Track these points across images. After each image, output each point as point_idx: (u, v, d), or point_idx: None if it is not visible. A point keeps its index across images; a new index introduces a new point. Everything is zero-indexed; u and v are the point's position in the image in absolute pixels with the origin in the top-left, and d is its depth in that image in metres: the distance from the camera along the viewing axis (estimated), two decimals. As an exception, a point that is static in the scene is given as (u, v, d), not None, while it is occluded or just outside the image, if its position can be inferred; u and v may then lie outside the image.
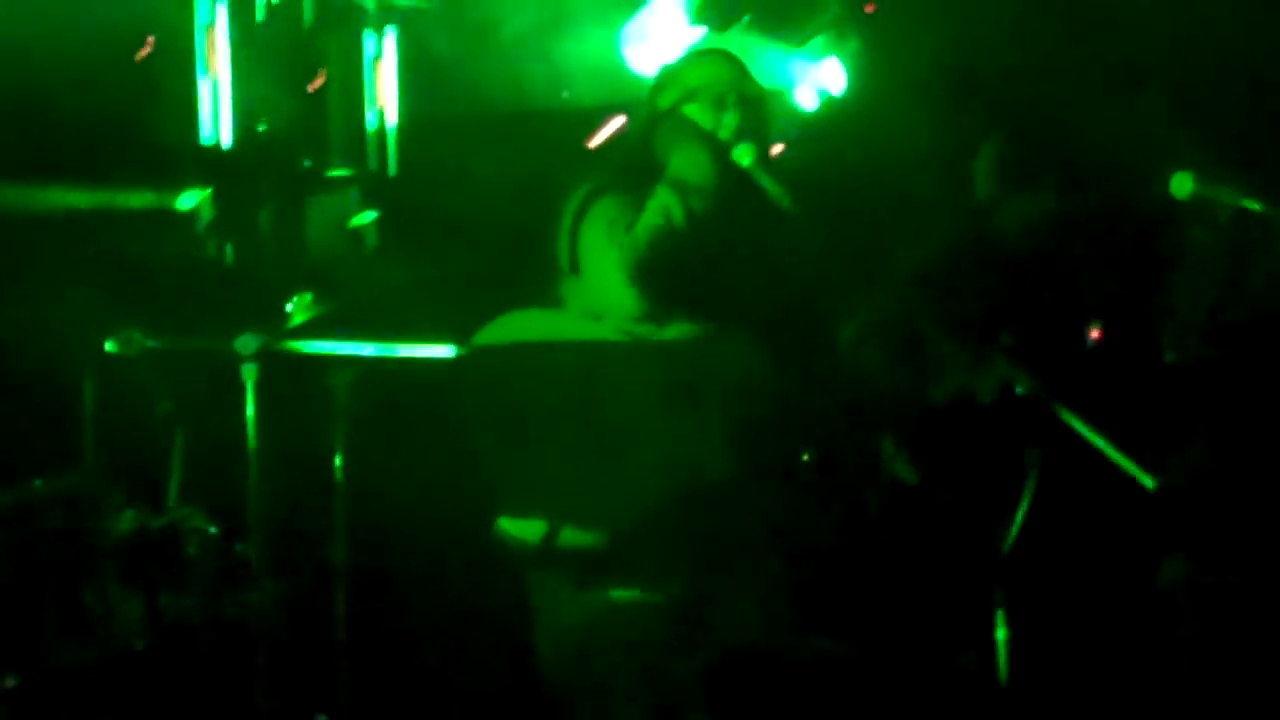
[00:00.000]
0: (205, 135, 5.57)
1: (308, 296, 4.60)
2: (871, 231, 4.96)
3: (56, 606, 4.21)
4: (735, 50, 4.73)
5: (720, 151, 4.32)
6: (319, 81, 5.85)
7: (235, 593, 4.37)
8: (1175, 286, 4.64)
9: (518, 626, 4.36)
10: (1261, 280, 4.46)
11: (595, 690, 4.20)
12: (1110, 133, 5.06)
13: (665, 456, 4.21)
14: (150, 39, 5.58)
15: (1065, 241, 4.94)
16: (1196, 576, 4.47)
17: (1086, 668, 4.50)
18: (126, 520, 4.31)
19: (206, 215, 5.50)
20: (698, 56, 4.68)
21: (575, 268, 4.34)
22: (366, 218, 5.81)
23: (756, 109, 4.44)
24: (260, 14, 5.64)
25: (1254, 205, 4.23)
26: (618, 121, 5.58)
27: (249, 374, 4.33)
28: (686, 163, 4.29)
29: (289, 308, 4.65)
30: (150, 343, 4.37)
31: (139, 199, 5.41)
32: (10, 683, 4.10)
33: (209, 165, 5.56)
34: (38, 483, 4.29)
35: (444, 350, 4.37)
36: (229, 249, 5.57)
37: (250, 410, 4.30)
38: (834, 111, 5.65)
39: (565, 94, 5.77)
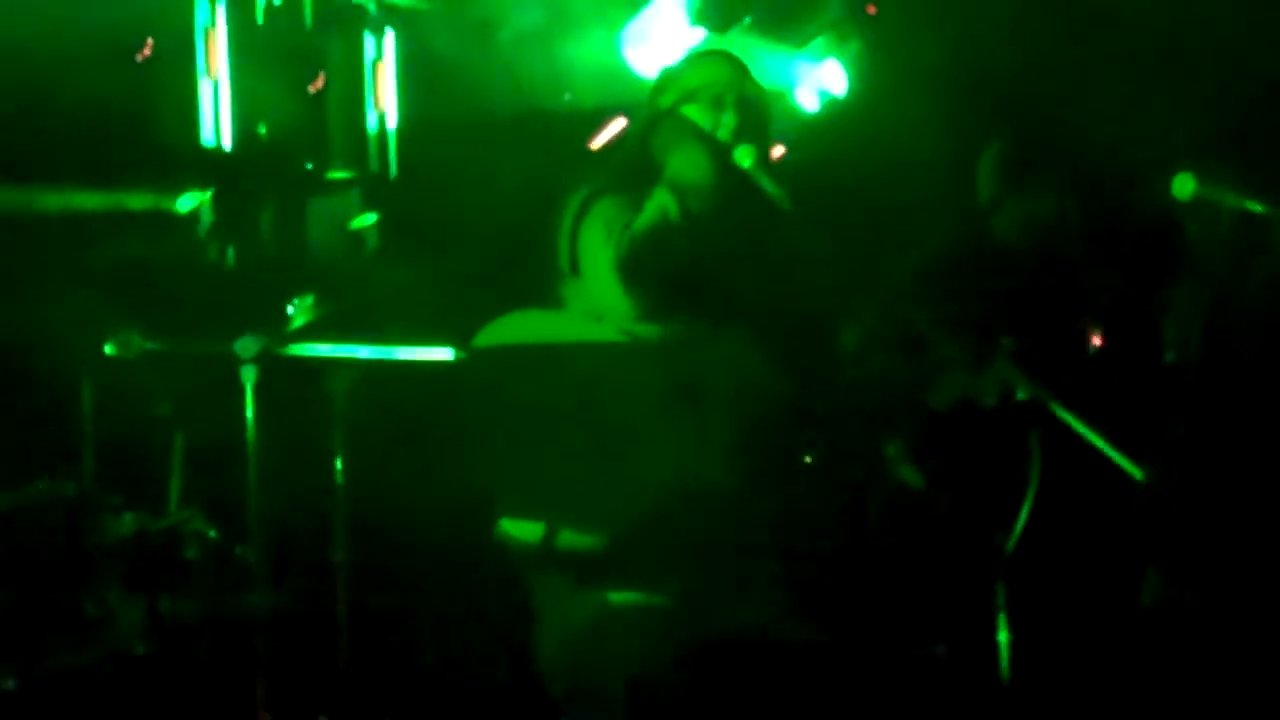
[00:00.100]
0: (205, 137, 5.57)
1: (308, 299, 4.59)
2: (873, 233, 4.95)
3: (56, 609, 4.21)
4: (736, 51, 4.72)
5: (719, 152, 4.31)
6: (319, 83, 5.85)
7: (235, 595, 4.37)
8: (1175, 287, 4.63)
9: (518, 628, 4.35)
10: (1262, 281, 4.46)
11: (595, 691, 4.19)
12: (1112, 134, 5.06)
13: (666, 458, 4.21)
14: (150, 41, 5.57)
15: (1066, 243, 4.93)
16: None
17: (1087, 669, 4.49)
18: (126, 523, 4.31)
19: (207, 217, 5.49)
20: (698, 57, 4.67)
21: (575, 269, 4.34)
22: (367, 220, 5.81)
23: (756, 110, 4.43)
24: (260, 16, 5.64)
25: (1255, 206, 4.23)
26: (619, 123, 5.57)
27: (248, 376, 4.32)
28: (685, 163, 4.28)
29: (289, 310, 4.64)
30: (149, 345, 4.37)
31: (139, 201, 5.41)
32: (10, 685, 4.09)
33: (209, 167, 5.56)
34: (38, 485, 4.29)
35: (444, 353, 4.37)
36: (229, 251, 5.56)
37: (250, 413, 4.30)
38: (835, 113, 5.64)
39: (566, 96, 5.77)
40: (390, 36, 5.83)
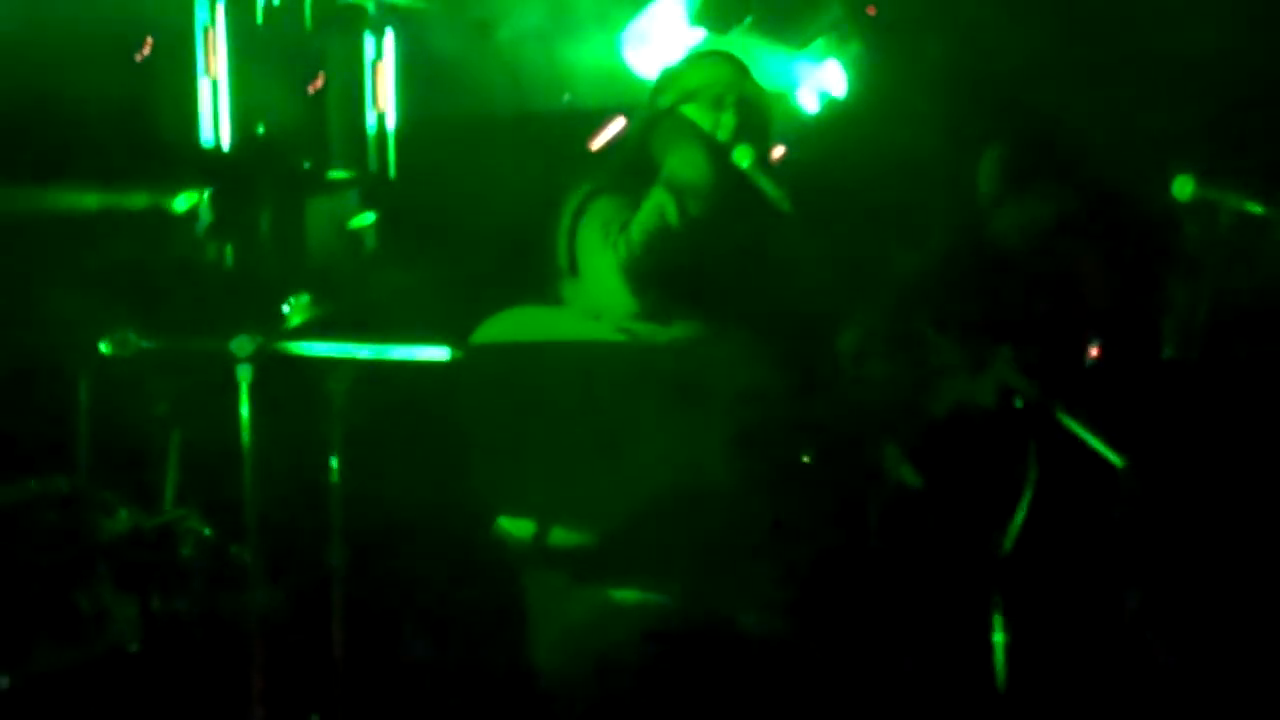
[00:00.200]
0: (205, 137, 5.58)
1: (305, 297, 4.59)
2: (872, 234, 4.94)
3: (50, 607, 4.20)
4: (736, 52, 4.71)
5: (717, 152, 4.31)
6: (319, 83, 5.85)
7: (230, 594, 4.36)
8: (1173, 284, 4.62)
9: (515, 627, 4.34)
10: (1261, 282, 4.45)
11: (591, 690, 4.18)
12: (1112, 135, 5.05)
13: (664, 457, 4.20)
14: (149, 40, 5.57)
15: (1066, 245, 4.93)
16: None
17: (1083, 671, 4.49)
18: (121, 521, 4.30)
19: (206, 217, 5.49)
20: (698, 57, 4.66)
21: (574, 268, 4.33)
22: (366, 219, 5.81)
23: (756, 110, 4.43)
24: (260, 15, 5.65)
25: (1255, 207, 4.22)
26: (618, 124, 5.56)
27: (244, 375, 4.31)
28: (683, 163, 4.28)
29: (286, 309, 4.63)
30: (145, 344, 4.36)
31: (138, 200, 5.41)
32: (3, 683, 4.09)
33: (208, 167, 5.56)
34: (32, 483, 4.28)
35: (440, 352, 4.36)
36: (228, 251, 5.56)
37: (245, 411, 4.28)
38: (835, 114, 5.64)
39: (566, 96, 5.77)
40: (390, 36, 5.83)
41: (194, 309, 5.00)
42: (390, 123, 5.86)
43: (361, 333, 4.48)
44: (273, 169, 5.69)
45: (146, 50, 5.57)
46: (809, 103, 5.62)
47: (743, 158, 4.30)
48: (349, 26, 5.82)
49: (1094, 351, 4.74)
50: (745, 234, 4.34)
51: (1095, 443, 4.08)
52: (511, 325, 4.36)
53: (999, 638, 4.22)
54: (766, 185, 4.28)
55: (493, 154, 5.65)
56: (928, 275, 4.84)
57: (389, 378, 4.50)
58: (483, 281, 5.10)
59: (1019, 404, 4.23)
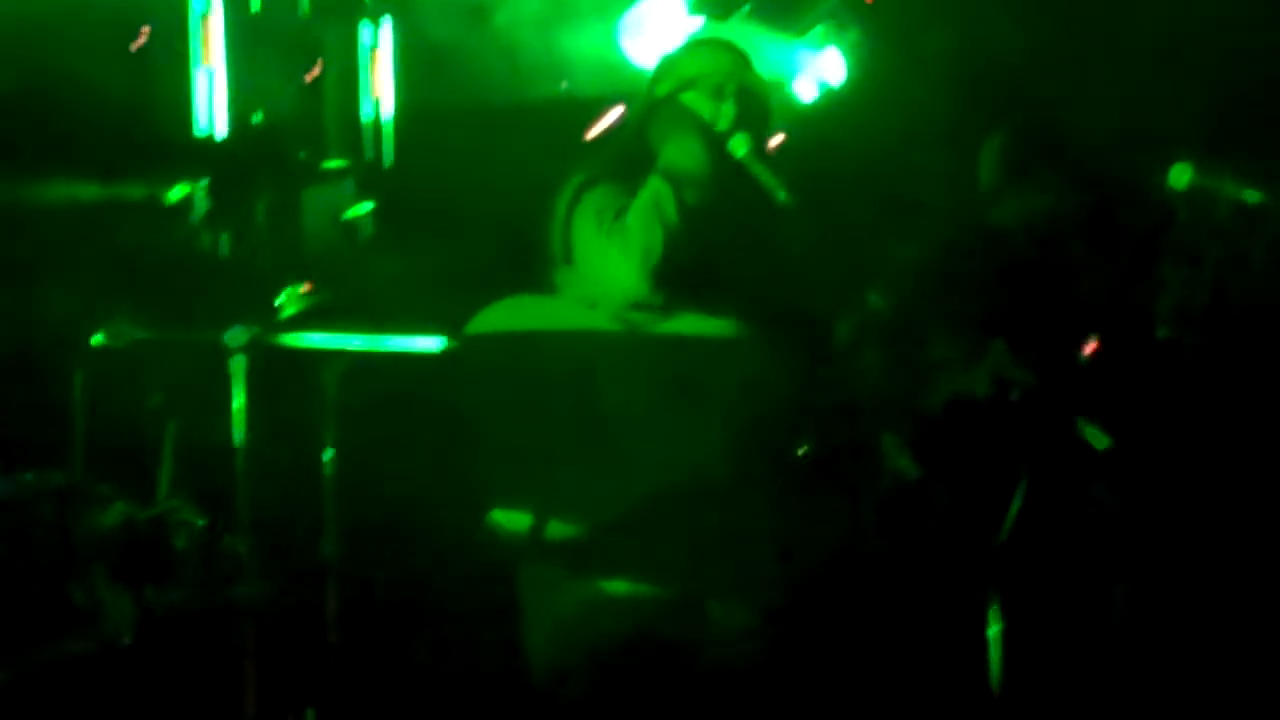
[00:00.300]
0: (200, 126, 5.56)
1: (299, 288, 4.58)
2: (870, 224, 4.93)
3: (45, 600, 4.19)
4: (734, 40, 4.69)
5: (716, 141, 4.28)
6: (315, 72, 5.84)
7: (224, 586, 4.35)
8: (1169, 272, 4.61)
9: (508, 620, 4.33)
10: (1257, 271, 4.44)
11: (585, 684, 4.17)
12: (1112, 125, 5.04)
13: (659, 448, 4.18)
14: (145, 29, 5.56)
15: (1065, 236, 4.92)
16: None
17: (1078, 664, 4.48)
18: (115, 513, 4.29)
19: (202, 206, 5.49)
20: (698, 45, 4.63)
21: (568, 256, 4.31)
22: (362, 209, 5.80)
23: (757, 100, 4.40)
24: (256, 4, 5.63)
25: (1252, 196, 4.20)
26: (616, 112, 5.55)
27: (238, 366, 4.31)
28: (680, 152, 4.25)
29: (281, 299, 4.63)
30: (139, 334, 4.35)
31: (134, 190, 5.40)
32: (-2, 676, 4.10)
33: (204, 156, 5.56)
34: (27, 476, 4.28)
35: (434, 342, 4.35)
36: (224, 240, 5.55)
37: (239, 403, 4.28)
38: (834, 102, 5.62)
39: (563, 84, 5.75)
40: (386, 25, 5.81)
41: (190, 300, 4.99)
42: (386, 111, 5.84)
43: (357, 322, 4.48)
44: (269, 158, 5.68)
45: (142, 39, 5.56)
46: (807, 91, 5.60)
47: (739, 146, 4.28)
48: (345, 15, 5.81)
49: (1089, 347, 4.73)
50: (743, 224, 4.31)
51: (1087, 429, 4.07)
52: (507, 314, 4.34)
53: (994, 629, 4.20)
54: (763, 174, 4.26)
55: (490, 143, 5.64)
56: (925, 265, 4.83)
57: (384, 368, 4.50)
58: (479, 270, 5.09)
59: (1015, 394, 4.21)
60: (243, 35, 5.60)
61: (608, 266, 4.18)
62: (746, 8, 5.61)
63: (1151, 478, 4.25)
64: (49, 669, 4.15)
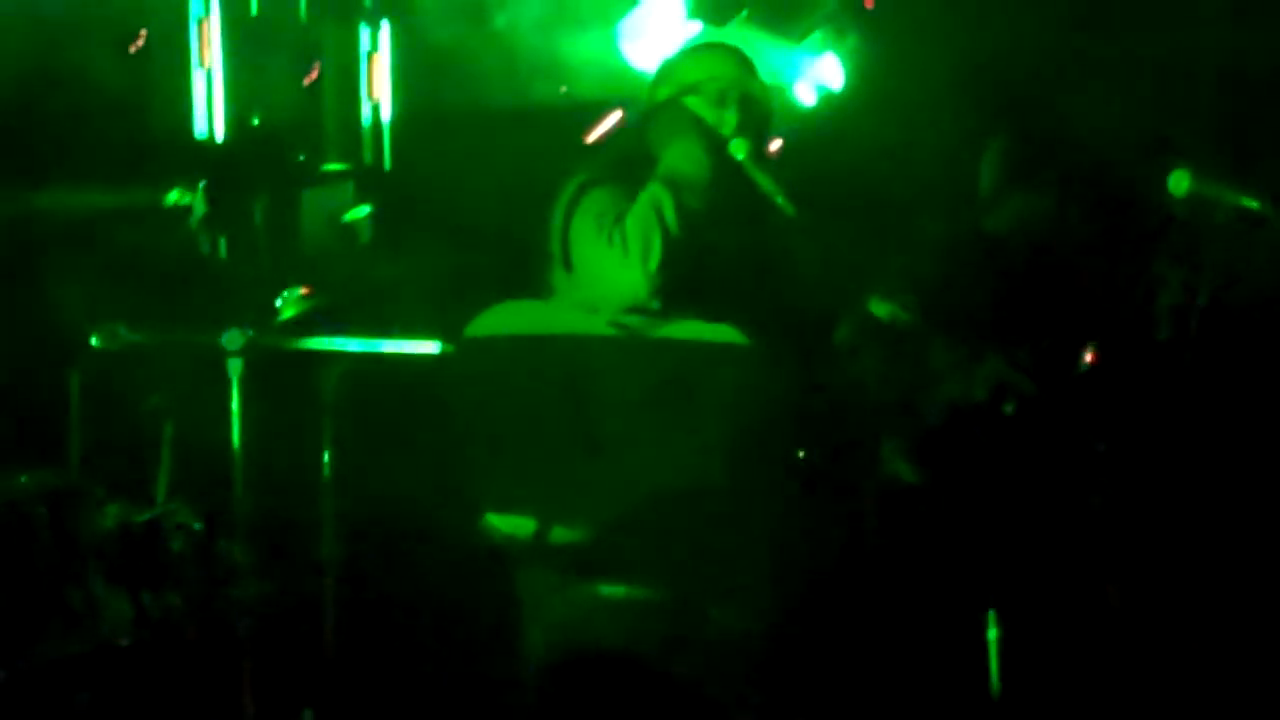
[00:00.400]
0: (199, 129, 5.57)
1: (297, 290, 4.58)
2: (869, 228, 4.93)
3: (41, 602, 4.18)
4: (737, 45, 4.69)
5: (717, 146, 4.28)
6: (314, 74, 5.84)
7: (221, 588, 4.34)
8: (1168, 277, 4.61)
9: (506, 623, 4.33)
10: (1256, 277, 4.44)
11: (582, 687, 4.17)
12: (1112, 130, 5.04)
13: (656, 453, 4.17)
14: (143, 32, 5.56)
15: (1063, 241, 4.92)
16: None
17: (1077, 667, 4.48)
18: (112, 515, 4.28)
19: (200, 209, 5.47)
20: (702, 49, 4.63)
21: (567, 261, 4.31)
22: (361, 212, 5.79)
23: (759, 106, 4.40)
24: (255, 6, 5.63)
25: (1251, 202, 4.20)
26: (615, 116, 5.55)
27: (234, 369, 4.30)
28: (682, 156, 4.25)
29: (279, 301, 4.63)
30: (133, 336, 4.35)
31: (132, 192, 5.39)
32: (-5, 677, 4.09)
33: (202, 158, 5.55)
34: (23, 478, 4.27)
35: (431, 345, 4.35)
36: (222, 242, 5.55)
37: (235, 405, 4.27)
38: (832, 107, 5.62)
39: (563, 88, 5.74)
40: (385, 27, 5.81)
41: (188, 302, 4.99)
42: (385, 114, 5.84)
43: (355, 325, 4.47)
44: (267, 161, 5.68)
45: (141, 42, 5.56)
46: (806, 96, 5.60)
47: (739, 151, 4.28)
48: (344, 17, 5.81)
49: (1089, 356, 4.72)
50: (742, 229, 4.31)
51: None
52: (506, 318, 4.33)
53: (993, 633, 4.20)
54: (763, 180, 4.26)
55: (489, 146, 5.64)
56: (924, 270, 4.82)
57: (382, 371, 4.50)
58: (478, 273, 5.10)
59: (1012, 400, 4.21)
60: (241, 37, 5.60)
61: (607, 270, 4.18)
62: (745, 12, 5.60)
63: (1150, 481, 4.24)
64: (45, 671, 4.14)
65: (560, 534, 4.19)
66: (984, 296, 4.76)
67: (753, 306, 4.25)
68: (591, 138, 5.65)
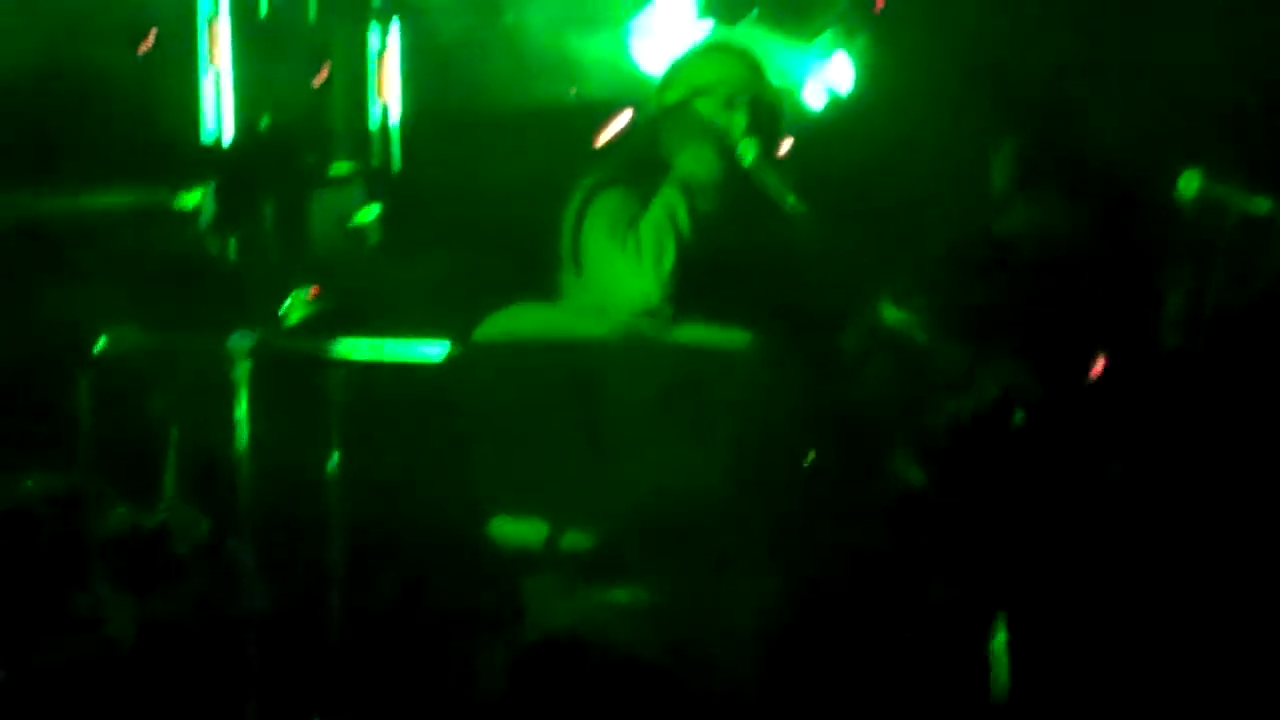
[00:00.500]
0: (207, 130, 5.56)
1: (305, 292, 4.57)
2: (878, 231, 4.92)
3: (47, 604, 4.19)
4: (746, 46, 4.68)
5: (728, 150, 4.28)
6: (323, 76, 5.83)
7: (227, 591, 4.34)
8: (1177, 280, 4.60)
9: (512, 627, 4.33)
10: (1266, 281, 4.43)
11: (588, 691, 4.17)
12: (1124, 134, 5.03)
13: (664, 458, 4.17)
14: (152, 33, 5.56)
15: (1073, 245, 4.91)
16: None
17: (1085, 672, 4.47)
18: (118, 518, 4.29)
19: (208, 211, 5.47)
20: (711, 51, 4.63)
21: (578, 263, 4.31)
22: (370, 213, 5.78)
23: (769, 109, 4.40)
24: (264, 7, 5.63)
25: (1260, 206, 4.20)
26: (626, 117, 5.54)
27: (243, 371, 4.30)
28: (694, 160, 4.26)
29: (287, 304, 4.62)
30: (141, 339, 4.35)
31: (140, 195, 5.39)
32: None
33: (211, 161, 5.55)
34: (30, 481, 4.27)
35: (439, 348, 4.34)
36: (231, 244, 5.54)
37: (242, 408, 4.27)
38: (842, 108, 5.61)
39: (572, 90, 5.74)
40: (395, 28, 5.81)
41: (196, 304, 4.98)
42: (395, 116, 5.83)
43: (364, 328, 4.47)
44: (276, 162, 5.67)
45: (149, 42, 5.56)
46: (815, 97, 5.59)
47: (747, 152, 4.28)
48: (354, 18, 5.80)
49: (1098, 365, 4.72)
50: (752, 232, 4.31)
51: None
52: (515, 321, 4.33)
53: (1000, 639, 4.20)
54: (772, 182, 4.26)
55: (498, 147, 5.63)
56: (931, 270, 4.82)
57: (390, 374, 4.49)
58: (487, 276, 5.09)
59: (1021, 410, 4.21)
60: (250, 39, 5.60)
61: (619, 274, 4.19)
62: (755, 12, 5.60)
63: (1159, 484, 4.23)
64: (51, 673, 4.14)
65: (568, 538, 4.18)
66: (993, 299, 4.75)
67: (762, 310, 4.25)
68: (602, 139, 5.64)
